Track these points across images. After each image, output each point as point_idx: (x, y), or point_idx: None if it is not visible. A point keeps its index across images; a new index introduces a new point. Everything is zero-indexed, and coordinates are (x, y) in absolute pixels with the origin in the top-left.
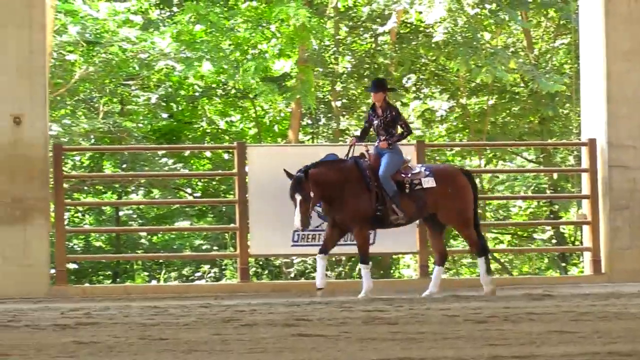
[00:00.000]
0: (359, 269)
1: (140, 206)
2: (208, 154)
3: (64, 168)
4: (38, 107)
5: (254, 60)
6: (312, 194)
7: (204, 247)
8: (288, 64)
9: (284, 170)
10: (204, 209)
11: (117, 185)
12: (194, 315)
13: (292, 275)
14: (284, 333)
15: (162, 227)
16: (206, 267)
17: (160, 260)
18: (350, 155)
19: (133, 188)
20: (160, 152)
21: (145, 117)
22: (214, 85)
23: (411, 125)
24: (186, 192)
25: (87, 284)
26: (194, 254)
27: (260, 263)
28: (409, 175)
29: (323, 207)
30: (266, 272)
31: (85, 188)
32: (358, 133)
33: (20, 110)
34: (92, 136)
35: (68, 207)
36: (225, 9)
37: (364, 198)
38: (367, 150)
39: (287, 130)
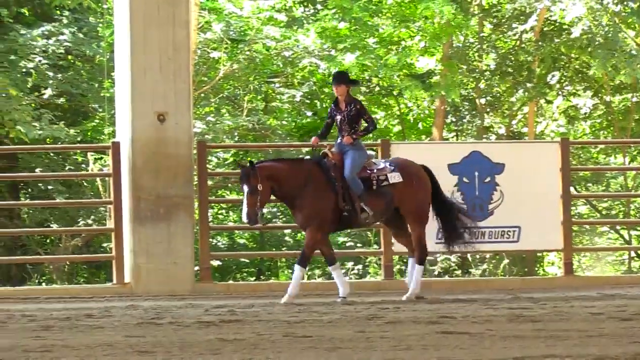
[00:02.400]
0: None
1: (284, 204)
2: None
3: (208, 165)
4: (182, 105)
5: (397, 57)
6: (260, 187)
7: (347, 245)
8: (432, 61)
9: (235, 160)
10: None
11: None
12: (338, 312)
13: (436, 272)
14: (427, 330)
15: None
16: (350, 265)
17: None
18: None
19: None
20: (304, 150)
21: (289, 114)
22: None
23: (556, 122)
24: None
25: (230, 281)
26: (337, 251)
27: (404, 260)
28: (375, 171)
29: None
30: None
31: (229, 185)
32: (321, 131)
33: (164, 108)
34: (235, 133)
35: (212, 204)
36: (370, 6)
37: (326, 199)
38: (330, 149)
39: (431, 128)
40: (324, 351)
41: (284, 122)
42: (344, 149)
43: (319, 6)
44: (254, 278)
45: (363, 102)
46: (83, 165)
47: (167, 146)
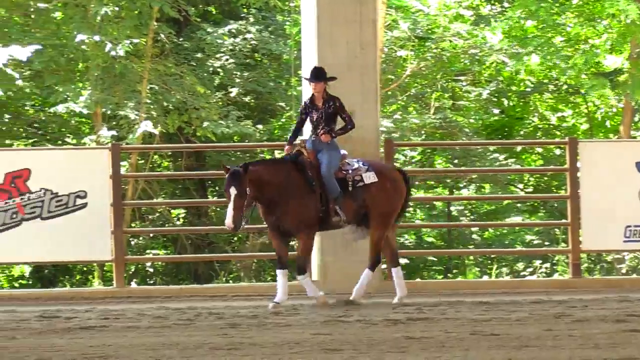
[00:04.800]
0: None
1: (471, 201)
2: (539, 149)
3: (395, 163)
4: (369, 103)
5: (584, 55)
6: (248, 191)
7: (535, 243)
8: (619, 59)
9: (222, 164)
10: (535, 204)
11: (448, 180)
12: (525, 310)
13: (624, 271)
14: (615, 329)
15: (493, 222)
16: (537, 263)
17: (492, 256)
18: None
19: (464, 183)
20: (491, 148)
21: (477, 112)
22: (545, 81)
23: None
24: (517, 188)
25: (418, 279)
26: (525, 250)
27: (592, 258)
28: (350, 171)
29: (261, 212)
30: (598, 267)
31: (417, 183)
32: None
33: (351, 106)
34: (423, 131)
35: None
36: (556, 5)
37: (309, 201)
38: (304, 147)
39: (618, 126)
40: (512, 349)
41: (471, 120)
42: (319, 148)
43: (505, 4)
44: (441, 276)
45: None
46: None
47: (354, 144)
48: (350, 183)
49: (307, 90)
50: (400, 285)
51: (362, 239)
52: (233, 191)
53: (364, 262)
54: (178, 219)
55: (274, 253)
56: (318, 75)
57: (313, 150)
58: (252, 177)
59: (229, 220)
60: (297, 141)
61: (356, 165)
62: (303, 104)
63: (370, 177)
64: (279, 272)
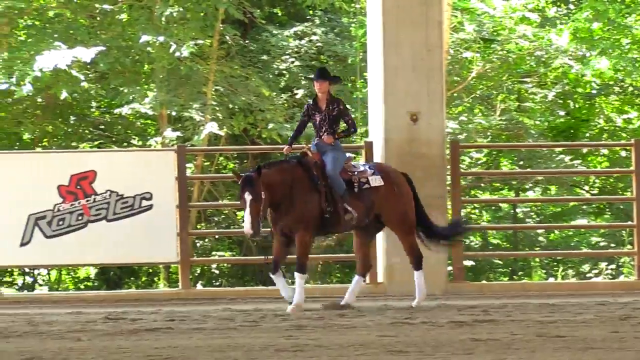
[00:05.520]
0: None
1: (537, 203)
2: (605, 151)
3: (460, 165)
4: (435, 105)
5: None
6: (263, 196)
7: (601, 245)
8: None
9: (232, 170)
10: (601, 206)
11: (514, 182)
12: (591, 312)
13: None
14: None
15: (558, 224)
16: (603, 265)
17: (558, 258)
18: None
19: (530, 185)
20: (557, 150)
21: (542, 114)
22: (611, 83)
23: None
24: (583, 190)
25: (484, 281)
26: (590, 252)
27: None
28: (356, 173)
29: (269, 214)
30: None
31: (482, 185)
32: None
33: (416, 108)
34: (488, 133)
35: (465, 204)
36: (623, 6)
37: (312, 200)
38: (309, 148)
39: None
40: (577, 351)
41: (537, 122)
42: (323, 149)
43: (571, 6)
44: (507, 278)
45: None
46: None
47: (420, 146)
48: (356, 185)
49: (372, 92)
50: (352, 293)
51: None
52: (248, 196)
53: (431, 264)
54: (243, 221)
55: (340, 255)
56: (323, 75)
57: (318, 152)
58: (265, 180)
59: (247, 227)
60: (303, 145)
61: (362, 168)
62: (306, 105)
63: (376, 180)
64: (273, 277)
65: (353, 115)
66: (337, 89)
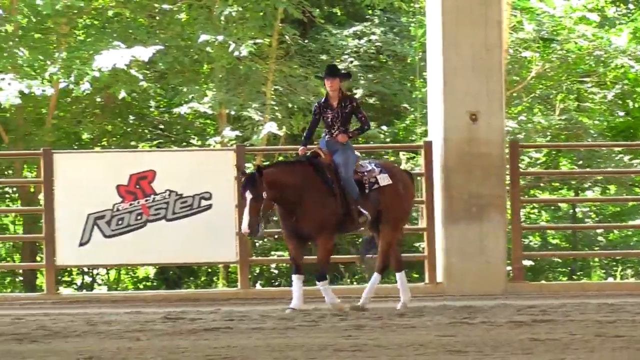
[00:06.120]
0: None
1: (596, 203)
2: None
3: (519, 165)
4: (494, 104)
5: None
6: (264, 196)
7: None
8: None
9: (236, 167)
10: None
11: (573, 182)
12: None
13: None
14: None
15: (617, 224)
16: None
17: (617, 258)
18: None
19: (589, 185)
20: (616, 149)
21: (602, 114)
22: None
23: None
24: None
25: (543, 281)
26: None
27: None
28: (365, 173)
29: (278, 215)
30: None
31: (541, 184)
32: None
33: (476, 108)
34: (548, 133)
35: (524, 203)
36: None
37: (328, 203)
38: (320, 148)
39: None
40: (636, 351)
41: (596, 122)
42: (333, 148)
43: (631, 5)
44: (566, 278)
45: None
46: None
47: (479, 146)
48: (367, 185)
49: (432, 92)
50: (404, 290)
51: (370, 270)
52: (248, 195)
53: (490, 263)
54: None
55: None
56: (333, 72)
57: (329, 152)
58: (268, 180)
59: (244, 225)
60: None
61: (369, 167)
62: (317, 104)
63: (384, 179)
64: (294, 277)
65: (412, 116)
66: (397, 88)
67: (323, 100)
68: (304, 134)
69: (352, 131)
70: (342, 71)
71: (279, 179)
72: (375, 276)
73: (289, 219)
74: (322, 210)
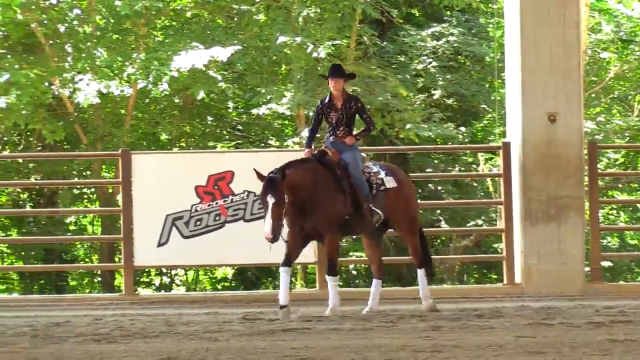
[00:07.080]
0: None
1: None
2: None
3: (598, 166)
4: (573, 105)
5: None
6: (286, 200)
7: None
8: None
9: (254, 170)
10: None
11: None
12: None
13: None
14: None
15: None
16: None
17: None
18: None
19: None
20: None
21: None
22: None
23: None
24: None
25: (621, 282)
26: None
27: None
28: (372, 174)
29: (287, 214)
30: None
31: (620, 185)
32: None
33: (554, 109)
34: (626, 134)
35: (602, 204)
36: None
37: (338, 201)
38: (327, 147)
39: None
40: None
41: None
42: (340, 148)
43: None
44: None
45: None
46: (473, 166)
47: (558, 146)
48: (374, 186)
49: (510, 92)
50: (375, 298)
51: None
52: (270, 200)
53: (569, 264)
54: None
55: (478, 255)
56: (337, 72)
57: (337, 150)
58: (288, 183)
59: (267, 231)
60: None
61: (375, 169)
62: (318, 105)
63: (390, 182)
64: (282, 269)
65: (490, 116)
66: (475, 89)
67: (326, 100)
68: (307, 136)
69: (358, 133)
70: (347, 72)
71: (299, 180)
72: (419, 272)
73: (301, 218)
74: (331, 207)
